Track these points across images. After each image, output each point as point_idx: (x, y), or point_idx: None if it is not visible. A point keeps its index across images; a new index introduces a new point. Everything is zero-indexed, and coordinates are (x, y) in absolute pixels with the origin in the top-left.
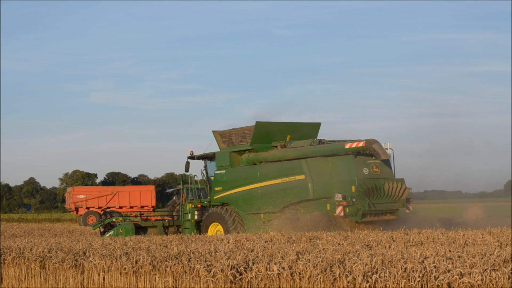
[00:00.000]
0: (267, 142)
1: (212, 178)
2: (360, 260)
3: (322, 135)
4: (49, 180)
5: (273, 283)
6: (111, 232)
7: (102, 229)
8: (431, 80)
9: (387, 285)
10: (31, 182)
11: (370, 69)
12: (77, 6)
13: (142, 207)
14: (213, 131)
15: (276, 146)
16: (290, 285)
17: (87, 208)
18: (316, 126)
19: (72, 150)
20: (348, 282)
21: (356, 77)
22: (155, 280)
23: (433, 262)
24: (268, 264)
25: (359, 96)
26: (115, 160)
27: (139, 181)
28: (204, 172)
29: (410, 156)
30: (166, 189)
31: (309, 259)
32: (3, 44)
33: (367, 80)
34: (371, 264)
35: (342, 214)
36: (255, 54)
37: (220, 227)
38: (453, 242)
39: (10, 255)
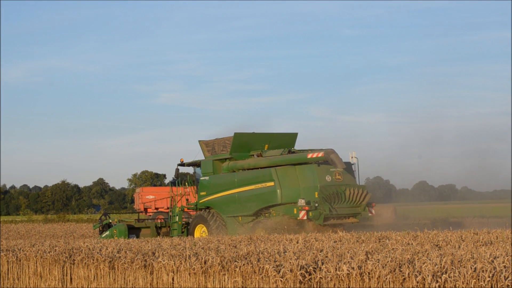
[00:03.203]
0: (245, 151)
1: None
2: (430, 260)
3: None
4: (118, 181)
5: (342, 283)
6: (107, 233)
7: (101, 229)
8: (501, 79)
9: (457, 285)
10: (100, 183)
11: (438, 68)
12: (145, 7)
13: None
14: (199, 141)
15: (253, 155)
16: (359, 285)
17: (156, 208)
18: (293, 136)
19: (141, 151)
20: (417, 282)
21: (424, 76)
22: (224, 280)
23: (503, 262)
24: (338, 264)
25: (427, 95)
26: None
27: None
28: (193, 178)
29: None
30: None
31: (378, 259)
32: (71, 46)
33: (436, 79)
34: (441, 264)
35: (305, 217)
36: (323, 54)
37: (205, 228)
38: None
39: (79, 255)
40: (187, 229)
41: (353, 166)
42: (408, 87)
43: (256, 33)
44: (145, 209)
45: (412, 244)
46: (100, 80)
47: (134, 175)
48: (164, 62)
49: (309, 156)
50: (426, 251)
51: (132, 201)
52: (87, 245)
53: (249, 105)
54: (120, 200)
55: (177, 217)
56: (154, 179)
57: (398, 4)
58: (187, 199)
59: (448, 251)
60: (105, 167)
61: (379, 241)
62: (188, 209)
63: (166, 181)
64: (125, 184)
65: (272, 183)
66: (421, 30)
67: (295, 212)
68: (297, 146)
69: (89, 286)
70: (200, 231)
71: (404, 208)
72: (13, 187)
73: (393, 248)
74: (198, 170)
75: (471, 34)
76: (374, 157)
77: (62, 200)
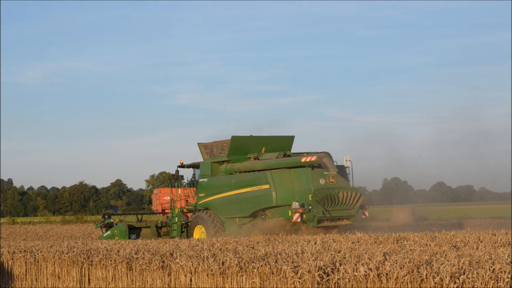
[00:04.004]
0: (243, 154)
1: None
2: (448, 261)
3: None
4: (136, 182)
5: (360, 284)
6: (108, 233)
7: (103, 229)
8: None
9: (475, 286)
10: (118, 184)
11: (454, 68)
12: (162, 8)
13: None
14: (198, 143)
15: (250, 158)
16: (377, 286)
17: None
18: (290, 139)
19: (158, 152)
20: (435, 283)
21: (440, 77)
22: (242, 281)
23: None
24: (355, 265)
25: (443, 96)
26: None
27: None
28: (193, 179)
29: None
30: None
31: (396, 260)
32: (89, 47)
33: (451, 80)
34: (459, 265)
35: (299, 220)
36: (340, 55)
37: (204, 229)
38: None
39: (97, 256)
40: (187, 230)
41: (347, 169)
42: (426, 88)
43: (273, 34)
44: (163, 210)
45: (430, 245)
46: (117, 81)
47: (152, 176)
48: (181, 63)
49: (303, 160)
50: (444, 252)
51: (150, 202)
52: (105, 246)
53: (266, 106)
54: (137, 201)
55: (176, 217)
56: (172, 180)
57: (415, 4)
58: (186, 200)
59: (466, 252)
60: (123, 168)
61: (397, 242)
62: (187, 210)
63: (184, 182)
64: (143, 185)
65: (267, 186)
66: (438, 31)
67: (289, 214)
68: (313, 146)
69: (107, 287)
70: (199, 231)
71: (421, 209)
72: (31, 188)
73: (411, 249)
74: (197, 171)
75: (488, 34)
76: (389, 159)
77: (80, 201)
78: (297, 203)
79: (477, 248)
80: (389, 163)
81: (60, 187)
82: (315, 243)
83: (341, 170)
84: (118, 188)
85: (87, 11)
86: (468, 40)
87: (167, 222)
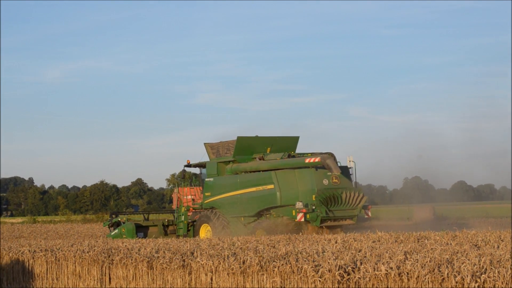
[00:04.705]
0: (248, 154)
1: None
2: (469, 260)
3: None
4: (157, 181)
5: (381, 283)
6: (116, 231)
7: (111, 227)
8: None
9: (496, 285)
10: (139, 183)
11: (476, 68)
12: (183, 8)
13: None
14: (204, 143)
15: (255, 158)
16: (398, 285)
17: (194, 209)
18: (295, 140)
19: (179, 151)
20: (456, 282)
21: (463, 76)
22: (263, 280)
23: None
24: (376, 264)
25: (465, 95)
26: None
27: None
28: (199, 178)
29: None
30: None
31: (417, 259)
32: (109, 46)
33: (474, 79)
34: (480, 264)
35: (302, 219)
36: (361, 54)
37: (209, 228)
38: None
39: (118, 255)
40: (194, 228)
41: (350, 170)
42: (446, 87)
43: (294, 33)
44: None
45: (451, 244)
46: (138, 81)
47: (173, 175)
48: (201, 62)
49: (307, 160)
50: (465, 251)
51: (171, 201)
52: (125, 245)
53: (287, 105)
54: (158, 200)
55: (182, 216)
56: (192, 179)
57: (436, 4)
58: (193, 199)
59: (487, 251)
60: (144, 167)
61: (418, 241)
62: (193, 209)
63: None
64: (164, 184)
65: (272, 186)
66: (458, 30)
67: (293, 214)
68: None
69: (128, 286)
70: (205, 230)
71: (442, 208)
72: (51, 187)
73: (432, 248)
74: (203, 171)
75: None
76: (411, 157)
77: (101, 200)
78: (301, 203)
79: (498, 247)
80: (410, 162)
81: (81, 186)
82: (336, 242)
83: (345, 171)
84: (139, 187)
85: (107, 10)
86: (490, 39)
87: (173, 220)
